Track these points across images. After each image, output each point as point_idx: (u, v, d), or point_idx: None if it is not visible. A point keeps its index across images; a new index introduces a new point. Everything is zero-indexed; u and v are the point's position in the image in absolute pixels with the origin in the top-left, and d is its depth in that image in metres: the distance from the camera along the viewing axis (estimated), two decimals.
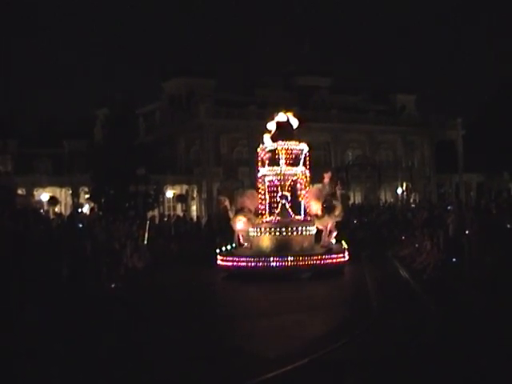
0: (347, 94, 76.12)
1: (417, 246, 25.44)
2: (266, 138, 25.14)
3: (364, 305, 16.68)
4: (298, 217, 24.51)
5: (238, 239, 25.26)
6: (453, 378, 10.07)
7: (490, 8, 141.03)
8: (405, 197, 68.39)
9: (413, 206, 51.01)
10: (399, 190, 70.06)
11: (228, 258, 23.26)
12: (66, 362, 11.50)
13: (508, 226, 22.03)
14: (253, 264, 22.46)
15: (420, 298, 17.50)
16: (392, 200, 64.85)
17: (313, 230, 24.47)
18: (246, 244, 25.10)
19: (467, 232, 20.42)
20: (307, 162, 25.04)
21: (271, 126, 25.30)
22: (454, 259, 20.96)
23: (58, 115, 75.15)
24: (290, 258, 22.23)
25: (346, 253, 24.00)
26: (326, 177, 25.11)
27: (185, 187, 63.96)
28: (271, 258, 22.38)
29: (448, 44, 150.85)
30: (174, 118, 67.47)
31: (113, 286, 19.65)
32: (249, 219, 24.48)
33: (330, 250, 23.43)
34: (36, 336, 13.38)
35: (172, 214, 55.25)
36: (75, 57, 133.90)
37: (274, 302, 17.88)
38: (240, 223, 24.63)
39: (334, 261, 23.00)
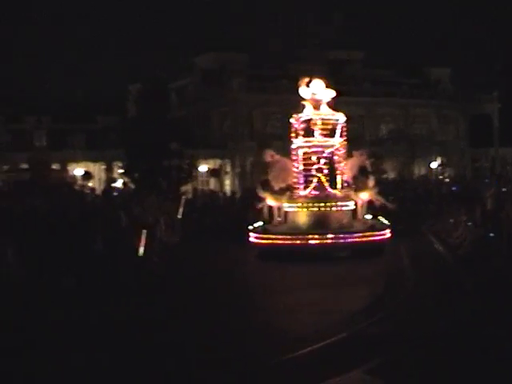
0: (380, 67, 75.32)
1: (452, 221, 25.08)
2: (308, 106, 24.03)
3: (400, 280, 16.54)
4: (334, 191, 23.37)
5: (271, 214, 24.38)
6: (486, 353, 9.93)
7: None
8: (439, 171, 67.82)
9: (447, 180, 50.57)
10: (433, 165, 69.46)
11: (262, 236, 22.26)
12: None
13: None
14: (289, 242, 21.44)
15: (455, 273, 17.34)
16: (426, 174, 64.29)
17: (351, 205, 23.42)
18: (279, 219, 24.14)
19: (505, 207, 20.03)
20: (344, 133, 23.87)
21: (305, 92, 24.21)
22: (491, 234, 20.64)
23: (91, 90, 74.90)
24: (329, 236, 21.32)
25: (388, 230, 22.65)
26: (356, 155, 24.43)
27: (218, 162, 63.85)
28: (309, 236, 21.37)
29: (484, 16, 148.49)
30: (206, 92, 67.29)
31: (147, 259, 19.66)
32: (272, 196, 23.92)
33: (371, 227, 22.30)
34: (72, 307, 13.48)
35: (205, 188, 55.31)
36: (108, 31, 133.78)
37: (308, 279, 17.68)
38: (270, 200, 23.98)
39: (376, 238, 21.83)
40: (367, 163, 24.53)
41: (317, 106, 23.94)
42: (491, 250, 19.11)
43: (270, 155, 24.79)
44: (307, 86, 24.07)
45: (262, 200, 24.45)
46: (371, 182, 23.85)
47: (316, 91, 24.09)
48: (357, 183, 23.85)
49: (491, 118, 73.53)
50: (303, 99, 24.21)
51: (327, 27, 73.84)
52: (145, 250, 19.09)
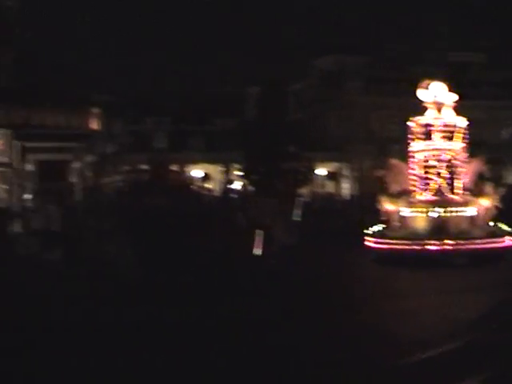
0: (503, 69, 73.39)
1: None
2: (429, 109, 23.74)
3: None
4: (454, 196, 23.03)
5: (388, 218, 24.04)
6: None
7: None
8: None
9: None
10: None
11: (379, 240, 22.14)
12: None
13: None
14: (407, 247, 21.14)
15: None
16: None
17: (471, 210, 22.75)
18: (396, 223, 23.69)
19: None
20: (464, 138, 23.47)
21: (425, 95, 23.89)
22: None
23: (210, 92, 75.94)
24: (448, 242, 20.85)
25: (509, 237, 21.99)
26: (476, 160, 23.90)
27: (336, 165, 63.66)
28: (427, 241, 20.97)
29: None
30: (324, 95, 67.18)
31: (264, 260, 19.83)
32: (390, 200, 23.65)
33: (492, 234, 21.73)
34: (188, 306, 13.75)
35: (323, 191, 55.26)
36: (226, 34, 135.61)
37: (427, 284, 17.43)
38: (387, 204, 23.75)
39: (496, 245, 21.30)
40: (485, 169, 23.94)
41: (438, 109, 23.58)
42: None
43: (390, 163, 24.66)
44: (427, 88, 23.75)
45: (379, 204, 24.21)
46: (490, 188, 23.23)
47: (437, 94, 23.74)
48: (476, 189, 23.30)
49: None
50: (423, 102, 23.90)
51: (453, 28, 72.44)
52: (262, 251, 19.28)
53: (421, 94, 23.81)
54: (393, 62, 68.72)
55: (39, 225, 21.31)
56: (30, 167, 28.01)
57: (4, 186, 23.01)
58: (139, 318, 12.93)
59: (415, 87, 24.28)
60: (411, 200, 23.36)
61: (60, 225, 21.37)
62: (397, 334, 11.94)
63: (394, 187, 23.97)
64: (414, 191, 23.55)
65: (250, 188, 46.40)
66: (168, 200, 23.71)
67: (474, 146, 24.86)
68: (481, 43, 72.48)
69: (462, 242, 20.95)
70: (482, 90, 66.39)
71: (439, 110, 23.57)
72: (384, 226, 23.81)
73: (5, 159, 22.59)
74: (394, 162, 24.56)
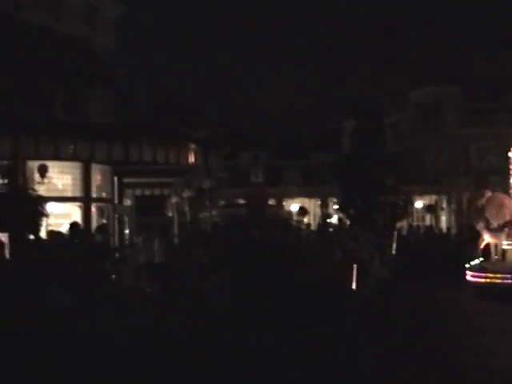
0: None
1: None
2: None
3: None
4: None
5: (488, 251, 23.59)
6: None
7: None
8: None
9: None
10: None
11: (479, 274, 21.64)
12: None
13: None
14: (508, 281, 20.58)
15: None
16: None
17: None
18: (496, 257, 23.23)
19: None
20: None
21: None
22: None
23: (305, 127, 76.43)
24: None
25: None
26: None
27: (433, 197, 62.99)
28: None
29: None
30: (421, 127, 66.72)
31: (360, 294, 19.73)
32: (490, 233, 23.18)
33: None
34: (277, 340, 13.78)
35: (421, 224, 54.62)
36: (315, 73, 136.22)
37: None
38: (486, 235, 23.36)
39: None
40: None
41: None
42: None
43: (486, 195, 24.31)
44: None
45: (480, 237, 23.80)
46: None
47: None
48: None
49: None
50: None
51: None
52: (357, 285, 19.21)
53: None
54: (488, 92, 67.74)
55: (144, 258, 21.87)
56: (128, 202, 28.66)
57: (103, 221, 23.62)
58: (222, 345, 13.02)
59: None
60: None
61: (162, 258, 21.89)
62: (500, 373, 11.69)
63: (494, 220, 23.58)
64: None
65: (347, 221, 46.29)
66: (265, 234, 23.90)
67: None
68: None
69: None
70: None
71: None
72: (484, 259, 23.31)
73: (104, 195, 23.23)
74: (494, 193, 24.20)
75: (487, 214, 23.85)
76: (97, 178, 22.50)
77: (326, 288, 18.05)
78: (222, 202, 58.63)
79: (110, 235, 21.95)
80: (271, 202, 59.85)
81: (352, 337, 14.36)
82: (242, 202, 59.72)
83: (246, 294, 16.74)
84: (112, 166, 22.64)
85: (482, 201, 24.85)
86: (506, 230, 23.08)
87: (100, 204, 23.28)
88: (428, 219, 61.46)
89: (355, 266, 19.48)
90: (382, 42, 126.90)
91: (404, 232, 38.23)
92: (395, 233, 28.83)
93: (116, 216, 24.89)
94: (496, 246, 23.22)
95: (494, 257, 23.24)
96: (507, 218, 23.34)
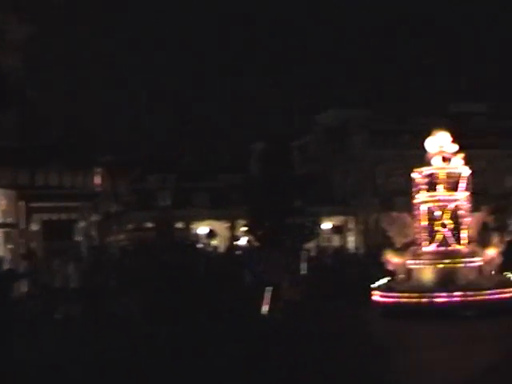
0: (504, 119, 73.89)
1: None
2: (434, 160, 23.61)
3: None
4: (460, 247, 22.62)
5: (394, 271, 23.53)
6: None
7: None
8: None
9: None
10: None
11: (386, 294, 21.72)
12: None
13: None
14: (414, 300, 20.64)
15: None
16: None
17: (478, 260, 22.36)
18: (402, 276, 23.12)
19: None
20: (468, 187, 23.24)
21: (430, 145, 23.80)
22: None
23: (213, 150, 76.55)
24: (457, 294, 20.32)
25: None
26: (481, 210, 23.78)
27: (341, 218, 63.80)
28: (435, 294, 20.51)
29: None
30: (328, 149, 67.62)
31: (270, 317, 19.70)
32: (395, 252, 23.36)
33: (501, 284, 21.24)
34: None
35: (329, 245, 55.18)
36: (231, 93, 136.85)
37: (435, 337, 17.22)
38: (393, 257, 23.30)
39: (505, 296, 20.76)
40: (490, 219, 23.77)
41: (443, 159, 23.59)
42: None
43: (390, 216, 24.66)
44: (433, 138, 23.77)
45: (385, 257, 23.95)
46: (496, 238, 22.95)
47: (442, 144, 23.76)
48: (481, 239, 22.94)
49: None
50: (427, 153, 23.92)
51: (454, 79, 73.24)
52: (269, 308, 19.19)
53: (427, 144, 23.83)
54: (394, 115, 69.23)
55: (59, 283, 21.67)
56: (35, 227, 28.11)
57: (9, 246, 23.05)
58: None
59: (418, 139, 24.33)
60: (417, 252, 23.01)
61: (77, 282, 21.71)
62: None
63: (399, 240, 23.84)
64: (420, 243, 23.14)
65: (256, 243, 46.39)
66: (172, 258, 23.73)
67: (478, 196, 24.78)
68: (481, 94, 73.09)
69: (470, 293, 20.43)
70: (484, 139, 66.58)
71: (444, 160, 23.53)
72: (390, 279, 23.41)
73: (9, 220, 22.70)
74: (397, 214, 24.58)
75: (391, 234, 24.10)
76: (1, 203, 22.00)
77: (236, 311, 17.99)
78: (130, 226, 58.04)
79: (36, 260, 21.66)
80: (179, 225, 59.50)
81: (258, 360, 14.30)
82: (149, 225, 59.23)
83: (158, 316, 16.58)
84: (17, 190, 22.17)
85: (386, 221, 25.11)
86: (411, 249, 23.29)
87: (5, 229, 22.77)
88: (336, 240, 62.20)
89: (266, 288, 19.43)
90: (291, 65, 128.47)
91: (313, 253, 38.41)
92: (304, 253, 28.93)
93: (23, 241, 24.45)
94: (402, 265, 23.24)
95: (400, 276, 23.26)
96: (410, 237, 23.59)
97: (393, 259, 23.43)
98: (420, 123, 64.09)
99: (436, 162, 23.61)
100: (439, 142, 23.71)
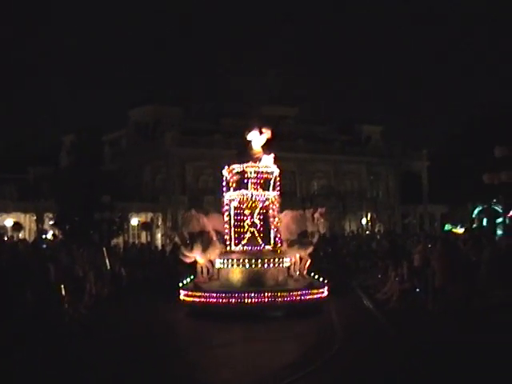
0: (313, 123, 76.57)
1: (380, 276, 25.38)
2: (266, 158, 23.04)
3: (328, 336, 16.60)
4: (268, 247, 22.29)
5: (201, 269, 22.81)
6: None
7: (459, 47, 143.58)
8: (369, 227, 68.86)
9: (378, 236, 51.27)
10: (364, 221, 70.52)
11: (193, 293, 20.91)
12: None
13: (473, 258, 21.73)
14: (221, 300, 20.07)
15: (382, 328, 17.57)
16: (357, 230, 65.07)
17: (287, 261, 22.26)
18: (206, 275, 22.72)
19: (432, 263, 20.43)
20: (278, 187, 22.97)
21: (253, 136, 23.17)
22: (417, 289, 21.08)
23: (24, 141, 74.34)
24: (266, 294, 19.95)
25: (325, 288, 21.54)
26: (318, 212, 23.33)
27: (150, 215, 63.78)
28: (244, 295, 19.95)
29: (415, 79, 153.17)
30: (139, 145, 67.36)
31: (75, 311, 19.40)
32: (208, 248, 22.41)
33: (308, 285, 21.24)
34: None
35: (137, 241, 55.03)
36: (42, 82, 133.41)
37: (237, 335, 17.42)
38: (197, 255, 22.42)
39: (313, 297, 20.75)
40: (300, 219, 23.77)
41: (254, 159, 23.13)
42: (417, 305, 19.67)
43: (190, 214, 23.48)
44: (245, 137, 23.38)
45: (184, 255, 22.92)
46: (305, 239, 22.77)
47: (253, 144, 23.30)
48: (291, 239, 22.70)
49: (420, 175, 75.08)
50: (238, 152, 23.63)
51: (263, 82, 74.76)
52: (73, 302, 18.93)
53: (238, 143, 23.52)
54: (207, 114, 70.00)
55: None
56: None
57: None
58: None
59: (229, 139, 24.63)
60: (225, 251, 22.51)
61: None
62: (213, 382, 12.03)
63: (187, 232, 22.52)
64: (228, 242, 22.61)
65: (63, 238, 45.54)
66: None
67: (286, 197, 25.04)
68: (294, 98, 75.26)
69: (278, 293, 20.25)
70: (294, 142, 68.64)
71: (255, 160, 23.11)
72: (197, 278, 22.73)
73: None
74: (192, 212, 23.37)
75: (189, 232, 23.00)
76: None
77: (40, 306, 17.62)
78: None
79: None
80: None
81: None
82: None
83: None
84: None
85: (183, 219, 24.17)
86: (219, 246, 22.55)
87: None
88: (144, 236, 62.14)
89: (71, 283, 19.13)
90: (106, 59, 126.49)
91: (120, 249, 38.15)
92: (112, 250, 28.65)
93: None
94: (207, 264, 22.88)
95: (203, 275, 22.80)
96: (197, 230, 22.50)
97: (198, 258, 22.73)
98: (232, 124, 65.36)
99: (246, 159, 22.97)
100: (250, 141, 23.35)
